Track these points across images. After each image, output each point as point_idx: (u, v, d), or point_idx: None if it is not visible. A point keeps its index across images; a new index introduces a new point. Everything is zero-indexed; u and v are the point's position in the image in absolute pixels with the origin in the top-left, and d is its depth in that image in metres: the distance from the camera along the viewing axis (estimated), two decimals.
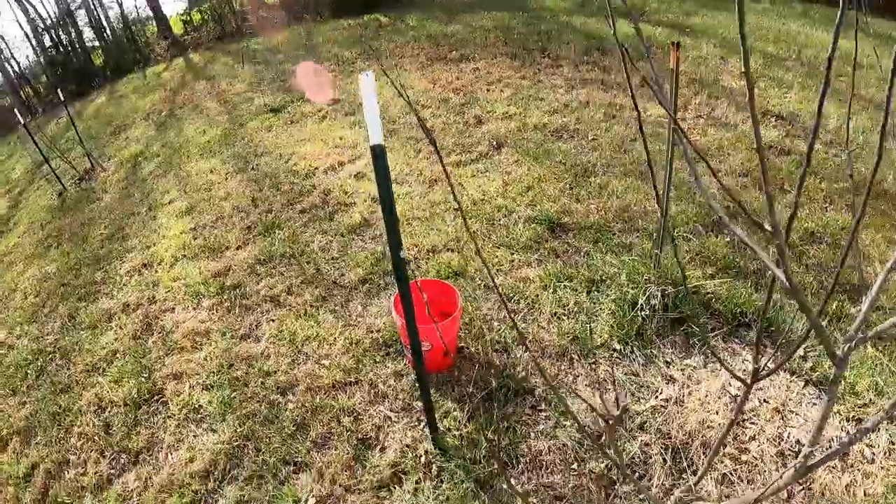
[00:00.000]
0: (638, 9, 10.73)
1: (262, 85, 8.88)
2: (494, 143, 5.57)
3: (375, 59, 8.78)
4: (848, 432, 2.90)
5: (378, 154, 1.97)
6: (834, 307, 3.42)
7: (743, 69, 0.98)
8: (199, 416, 3.27)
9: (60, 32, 17.13)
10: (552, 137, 5.66)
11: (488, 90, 7.05)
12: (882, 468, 2.68)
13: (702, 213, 4.30)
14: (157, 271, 4.55)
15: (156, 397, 3.44)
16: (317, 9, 13.80)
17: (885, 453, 2.73)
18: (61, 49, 17.04)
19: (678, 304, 3.36)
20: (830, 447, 2.89)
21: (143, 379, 3.53)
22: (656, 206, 4.45)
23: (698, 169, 4.72)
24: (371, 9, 13.08)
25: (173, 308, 4.08)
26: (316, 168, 5.58)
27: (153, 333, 3.90)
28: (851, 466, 2.68)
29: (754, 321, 3.40)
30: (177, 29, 17.92)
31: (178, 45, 14.05)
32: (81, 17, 17.87)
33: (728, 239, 4.02)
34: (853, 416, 2.92)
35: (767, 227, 1.11)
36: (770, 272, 1.27)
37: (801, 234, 4.12)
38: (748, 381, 1.72)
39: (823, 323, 3.23)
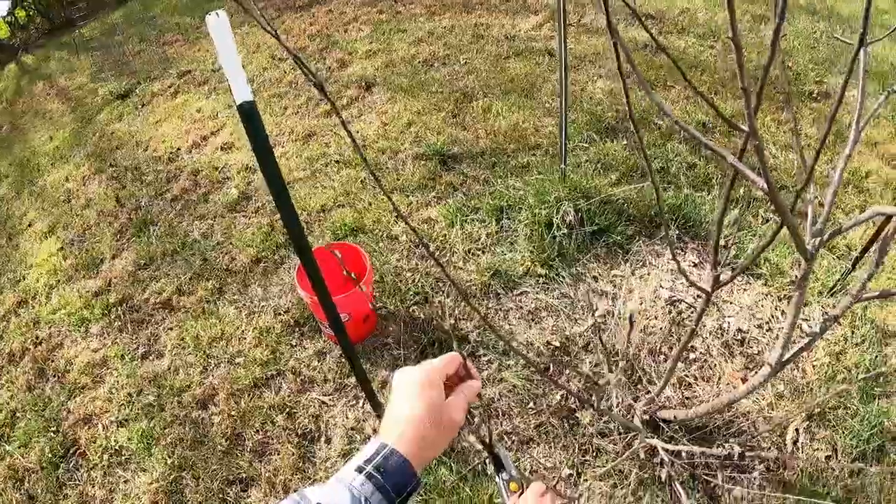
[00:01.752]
0: None
1: (104, 72, 8.07)
2: (363, 83, 5.24)
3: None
4: (783, 312, 2.90)
5: (248, 113, 1.53)
6: (742, 192, 3.42)
7: None
8: (123, 457, 2.93)
9: None
10: (423, 68, 5.38)
11: (346, 31, 6.63)
12: (822, 339, 2.69)
13: (593, 121, 4.19)
14: (33, 307, 4.04)
15: (72, 450, 3.03)
16: None
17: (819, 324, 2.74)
18: None
19: (593, 216, 3.24)
20: (770, 329, 2.91)
21: (52, 434, 3.11)
22: (547, 121, 4.30)
23: (569, 81, 4.61)
24: None
25: (61, 343, 3.63)
26: (178, 149, 5.08)
27: (48, 379, 3.45)
28: (793, 342, 2.68)
29: (671, 221, 3.33)
30: (2, 34, 16.26)
31: (7, 49, 12.68)
32: None
33: (625, 142, 3.94)
34: (784, 297, 2.92)
35: (744, 127, 1.06)
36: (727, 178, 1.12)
37: (695, 126, 4.13)
38: (709, 288, 1.60)
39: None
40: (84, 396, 3.26)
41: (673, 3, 6.03)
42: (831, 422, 2.60)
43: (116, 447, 2.96)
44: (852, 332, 2.93)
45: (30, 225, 5.06)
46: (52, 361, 3.55)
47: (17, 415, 3.32)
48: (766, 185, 1.07)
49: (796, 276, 2.91)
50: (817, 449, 2.54)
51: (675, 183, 3.67)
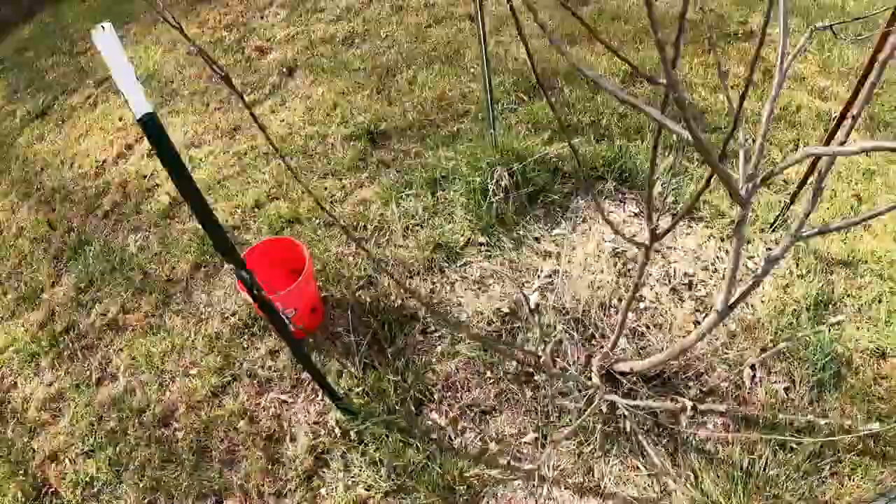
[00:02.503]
0: None
1: (20, 92, 7.79)
2: (285, 69, 5.13)
3: (135, 21, 7.90)
4: (727, 252, 2.96)
5: (150, 126, 1.46)
6: (675, 139, 3.46)
7: None
8: (96, 489, 2.88)
9: None
10: (344, 46, 5.28)
11: (262, 17, 6.45)
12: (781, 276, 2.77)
13: (520, 81, 4.18)
14: None
15: (44, 490, 2.97)
16: None
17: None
18: None
19: (528, 178, 3.24)
20: (716, 270, 2.97)
21: (21, 477, 3.04)
22: (473, 86, 4.27)
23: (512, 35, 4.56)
24: None
25: (15, 383, 3.54)
26: (104, 161, 4.93)
27: (7, 421, 3.36)
28: (739, 280, 2.76)
29: (607, 172, 3.36)
30: None
31: None
32: None
33: (554, 100, 3.93)
34: (726, 236, 2.97)
35: (662, 81, 1.07)
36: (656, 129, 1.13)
37: (623, 77, 4.19)
38: (647, 242, 1.62)
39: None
40: (47, 433, 3.20)
41: None
42: (786, 354, 2.68)
43: (87, 479, 2.92)
44: (797, 264, 3.01)
45: None
46: (9, 403, 3.46)
47: None
48: (691, 137, 1.07)
49: (734, 220, 2.99)
50: (775, 382, 2.62)
51: (609, 135, 3.69)
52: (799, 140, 3.73)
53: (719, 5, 4.95)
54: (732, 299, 1.72)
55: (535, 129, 3.74)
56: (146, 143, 4.87)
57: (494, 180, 3.20)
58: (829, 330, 2.73)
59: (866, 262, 3.09)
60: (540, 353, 2.46)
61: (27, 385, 3.48)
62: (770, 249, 2.99)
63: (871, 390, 2.63)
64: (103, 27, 1.37)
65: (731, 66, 4.23)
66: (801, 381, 2.61)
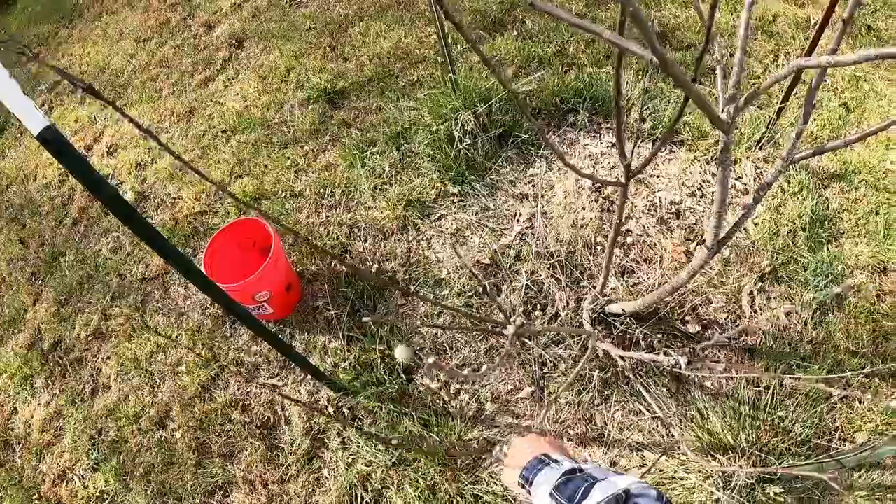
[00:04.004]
0: None
1: None
2: (234, 41, 4.93)
3: (83, 20, 7.65)
4: (713, 175, 2.82)
5: (51, 141, 1.31)
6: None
7: None
8: (107, 501, 2.87)
9: None
10: (291, 8, 5.06)
11: None
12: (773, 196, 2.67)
13: (478, 18, 3.99)
14: None
15: None
16: None
17: (754, 180, 2.79)
18: None
19: (495, 120, 3.07)
20: (704, 195, 2.83)
21: (36, 502, 3.05)
22: (430, 30, 4.07)
23: None
24: None
25: (15, 409, 3.51)
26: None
27: (14, 449, 3.35)
28: (730, 204, 2.70)
29: (579, 104, 3.19)
30: None
31: None
32: None
33: (515, 34, 3.73)
34: (711, 158, 2.83)
35: None
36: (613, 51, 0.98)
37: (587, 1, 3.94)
38: (623, 180, 1.49)
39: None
40: (52, 454, 3.18)
41: None
42: (784, 278, 2.56)
43: (97, 493, 2.91)
44: (788, 182, 2.87)
45: None
46: (13, 430, 3.44)
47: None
48: (656, 59, 0.91)
49: (718, 140, 2.84)
50: (775, 308, 2.50)
51: (577, 64, 3.51)
52: (779, 51, 3.54)
53: None
54: (722, 233, 1.60)
55: (499, 66, 3.55)
56: (103, 142, 4.73)
57: (459, 125, 3.04)
58: (828, 248, 2.61)
59: (859, 172, 2.95)
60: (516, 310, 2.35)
61: (26, 408, 3.45)
62: (759, 169, 2.85)
63: (876, 307, 2.52)
64: None
65: None
66: (802, 305, 2.50)
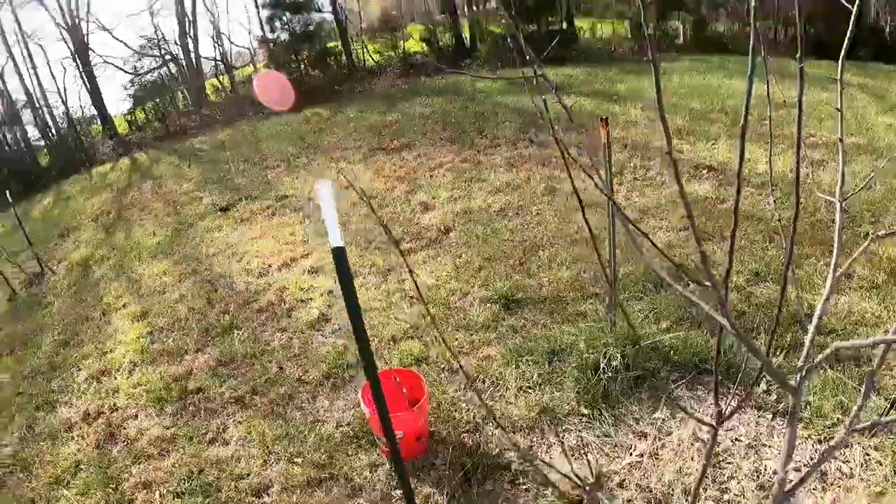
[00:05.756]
0: (565, 84, 11.26)
1: (209, 184, 8.93)
2: (442, 227, 5.73)
3: (321, 153, 8.95)
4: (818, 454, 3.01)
5: (338, 256, 2.02)
6: (789, 339, 3.57)
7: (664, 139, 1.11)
8: None
9: (6, 131, 16.82)
10: (497, 216, 5.86)
11: (431, 176, 7.27)
12: (861, 480, 2.78)
13: (649, 273, 4.49)
14: (115, 378, 4.46)
15: None
16: (258, 106, 14.05)
17: (861, 466, 2.83)
18: (6, 148, 16.71)
19: (638, 361, 3.48)
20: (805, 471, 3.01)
21: (110, 490, 3.40)
22: (607, 272, 4.62)
23: (640, 231, 4.93)
24: (311, 103, 13.34)
25: (136, 415, 3.99)
26: (269, 265, 5.63)
27: (117, 442, 3.79)
28: (832, 485, 2.78)
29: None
30: (122, 129, 17.91)
31: (124, 144, 14.08)
32: (26, 115, 17.54)
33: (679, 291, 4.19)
34: (824, 438, 3.03)
35: (706, 282, 1.21)
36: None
37: (748, 277, 4.37)
38: (714, 423, 1.80)
39: (778, 359, 3.41)
40: (148, 464, 3.55)
41: (735, 156, 6.38)
42: None
43: None
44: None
45: (124, 306, 5.60)
46: (125, 429, 3.90)
47: (81, 466, 3.65)
48: (731, 329, 1.26)
49: (838, 419, 3.05)
50: None
51: (724, 329, 3.85)
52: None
53: (850, 205, 5.04)
54: (788, 487, 1.61)
55: (657, 317, 3.99)
56: (310, 261, 5.51)
57: (606, 359, 3.47)
58: None
59: None
60: None
61: (146, 420, 3.91)
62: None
63: None
64: (324, 184, 1.97)
65: (858, 267, 4.29)
66: None
